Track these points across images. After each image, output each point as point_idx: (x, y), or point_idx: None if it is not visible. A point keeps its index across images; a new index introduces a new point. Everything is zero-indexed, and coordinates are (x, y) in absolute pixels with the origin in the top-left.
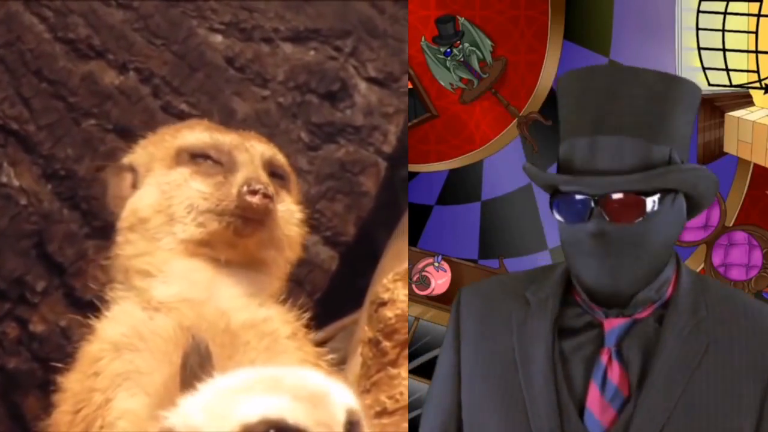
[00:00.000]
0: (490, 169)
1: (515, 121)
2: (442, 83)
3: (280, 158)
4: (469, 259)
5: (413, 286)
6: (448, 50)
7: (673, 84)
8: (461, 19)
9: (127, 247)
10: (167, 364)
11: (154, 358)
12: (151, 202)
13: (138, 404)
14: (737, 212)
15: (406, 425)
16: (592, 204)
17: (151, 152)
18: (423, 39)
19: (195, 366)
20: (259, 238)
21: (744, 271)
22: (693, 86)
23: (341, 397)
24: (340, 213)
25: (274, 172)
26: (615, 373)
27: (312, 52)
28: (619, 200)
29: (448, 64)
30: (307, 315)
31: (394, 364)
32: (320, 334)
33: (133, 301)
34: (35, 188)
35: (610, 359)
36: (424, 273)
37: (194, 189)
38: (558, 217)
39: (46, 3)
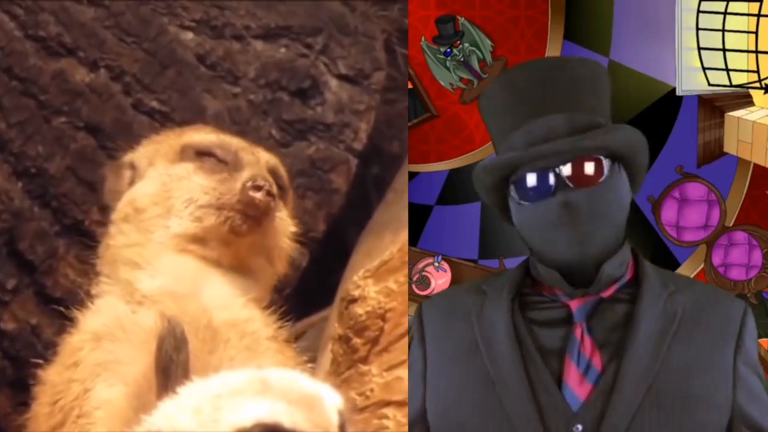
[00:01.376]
0: None
1: None
2: (442, 83)
3: (282, 170)
4: (469, 259)
5: (413, 286)
6: (448, 50)
7: (591, 65)
8: (461, 19)
9: (119, 237)
10: (147, 355)
11: (134, 349)
12: (150, 192)
13: (116, 394)
14: (737, 212)
15: (376, 421)
16: (556, 173)
17: (154, 149)
18: (423, 39)
19: (170, 349)
20: (252, 240)
21: (744, 271)
22: (598, 64)
23: (332, 398)
24: (310, 210)
25: (277, 181)
26: (587, 348)
27: (283, 50)
28: (580, 163)
29: (448, 64)
30: (288, 323)
31: (364, 360)
32: (290, 331)
33: (117, 294)
34: (5, 186)
35: (582, 334)
36: (424, 273)
37: (196, 183)
38: (519, 199)
39: (17, 1)
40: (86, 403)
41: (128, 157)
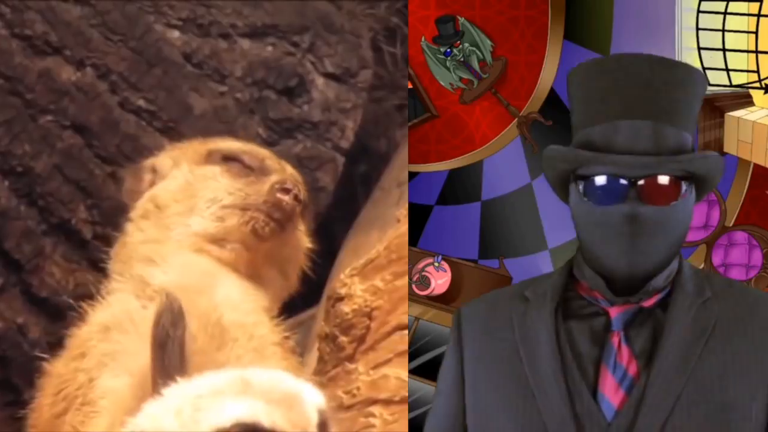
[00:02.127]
0: (490, 169)
1: (515, 121)
2: (442, 83)
3: (304, 187)
4: (469, 259)
5: (413, 286)
6: (448, 50)
7: (695, 74)
8: (461, 19)
9: (137, 234)
10: None
11: (141, 341)
12: (173, 189)
13: (121, 384)
14: (737, 212)
15: (363, 419)
16: (629, 186)
17: (179, 153)
18: (423, 39)
19: (167, 324)
20: (270, 247)
21: (744, 271)
22: (703, 76)
23: (312, 397)
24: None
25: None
26: (624, 357)
27: (269, 48)
28: (657, 183)
29: (448, 64)
30: (294, 336)
31: (350, 359)
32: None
33: (129, 291)
34: None
35: (619, 343)
36: (424, 273)
37: (222, 183)
38: (586, 197)
39: (3, 0)
40: (91, 392)
41: (150, 161)
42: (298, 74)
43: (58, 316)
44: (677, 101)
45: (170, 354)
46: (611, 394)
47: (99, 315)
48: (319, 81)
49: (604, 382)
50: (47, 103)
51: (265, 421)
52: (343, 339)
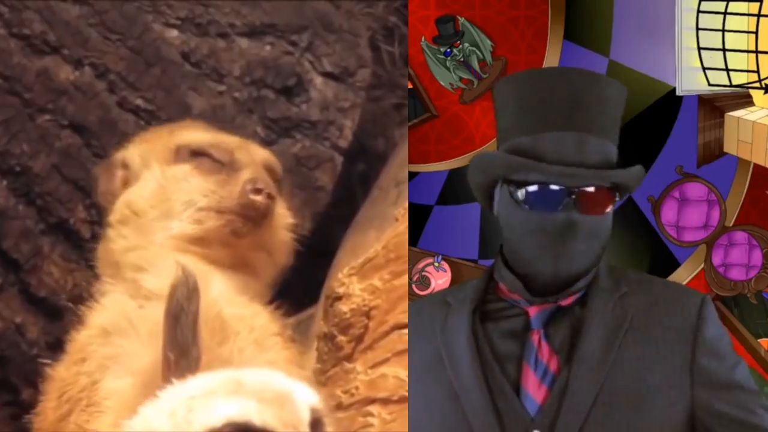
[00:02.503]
0: None
1: None
2: (442, 83)
3: (275, 163)
4: (469, 259)
5: (413, 286)
6: (448, 50)
7: (620, 89)
8: (461, 19)
9: (120, 240)
10: (156, 348)
11: (141, 342)
12: (147, 195)
13: (125, 385)
14: (737, 212)
15: (361, 419)
16: (567, 195)
17: (147, 149)
18: (423, 39)
19: (182, 299)
20: (253, 238)
21: (744, 271)
22: (624, 89)
23: (305, 396)
24: (296, 208)
25: (271, 177)
26: (544, 353)
27: (268, 47)
28: (594, 194)
29: (448, 64)
30: (290, 322)
31: (349, 358)
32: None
33: (123, 292)
34: None
35: (539, 341)
36: (424, 273)
37: (194, 185)
38: (522, 202)
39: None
40: (95, 394)
41: (119, 155)
42: (297, 73)
43: (57, 316)
44: (600, 114)
45: (183, 328)
46: (534, 390)
47: (97, 318)
48: (318, 80)
49: (527, 379)
50: (45, 103)
51: (257, 420)
52: (341, 338)
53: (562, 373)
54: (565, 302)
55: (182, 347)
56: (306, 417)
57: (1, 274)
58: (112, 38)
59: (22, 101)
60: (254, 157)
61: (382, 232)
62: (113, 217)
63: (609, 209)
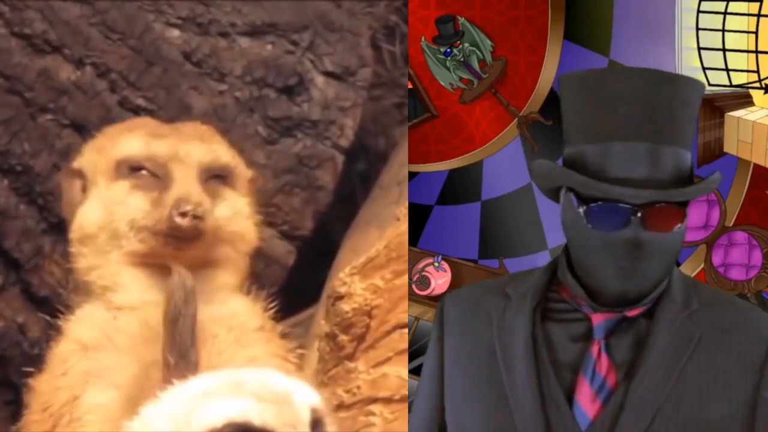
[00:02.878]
0: (490, 169)
1: (515, 121)
2: (442, 83)
3: (221, 157)
4: (469, 259)
5: (413, 286)
6: (448, 50)
7: (696, 87)
8: (461, 19)
9: (81, 259)
10: (135, 358)
11: (121, 355)
12: (96, 218)
13: (108, 399)
14: (737, 212)
15: (363, 418)
16: (632, 213)
17: (95, 160)
18: (423, 39)
19: (179, 302)
20: (204, 243)
21: (744, 271)
22: (702, 85)
23: (305, 396)
24: (297, 207)
25: (215, 174)
26: (603, 366)
27: (269, 47)
28: (661, 211)
29: (448, 64)
30: (274, 307)
31: (350, 357)
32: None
33: (96, 304)
34: None
35: (599, 352)
36: (424, 273)
37: (134, 204)
38: (586, 221)
39: None
40: (76, 409)
41: (77, 163)
42: (298, 73)
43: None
44: (677, 119)
45: (182, 331)
46: (587, 403)
47: (74, 331)
48: (319, 79)
49: (581, 390)
50: (46, 102)
51: (256, 420)
52: (343, 338)
53: (619, 389)
54: (632, 313)
55: (181, 350)
56: (306, 417)
57: (2, 273)
58: (113, 38)
59: (23, 100)
60: (189, 165)
61: (383, 231)
62: (73, 235)
63: (678, 226)
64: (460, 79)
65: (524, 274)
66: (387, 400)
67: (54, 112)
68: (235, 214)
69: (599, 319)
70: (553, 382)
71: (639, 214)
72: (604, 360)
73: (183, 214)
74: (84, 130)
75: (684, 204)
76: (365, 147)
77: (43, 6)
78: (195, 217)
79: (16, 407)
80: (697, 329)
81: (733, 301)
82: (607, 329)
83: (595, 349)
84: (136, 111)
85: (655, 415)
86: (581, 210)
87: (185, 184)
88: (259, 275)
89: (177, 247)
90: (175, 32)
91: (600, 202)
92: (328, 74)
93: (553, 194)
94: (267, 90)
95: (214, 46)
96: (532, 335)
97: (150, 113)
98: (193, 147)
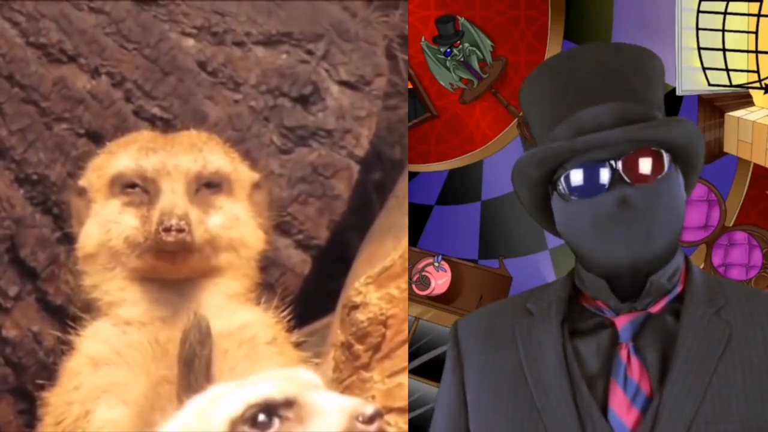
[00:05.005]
0: (490, 169)
1: (515, 121)
2: (442, 83)
3: (213, 165)
4: (469, 259)
5: (413, 286)
6: (448, 50)
7: (646, 55)
8: (461, 19)
9: (87, 278)
10: (145, 375)
11: (131, 371)
12: (95, 237)
13: (118, 414)
14: (737, 212)
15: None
16: (611, 167)
17: (94, 179)
18: (423, 39)
19: (194, 343)
20: (197, 258)
21: (744, 271)
22: (657, 58)
23: (306, 374)
24: (312, 216)
25: (207, 183)
26: (635, 371)
27: (284, 56)
28: (639, 156)
29: (448, 64)
30: (286, 317)
31: (366, 367)
32: (292, 338)
33: (104, 320)
34: (7, 193)
35: (628, 356)
36: (424, 273)
37: (127, 222)
38: (569, 194)
39: (18, 8)
40: (88, 425)
41: (82, 181)
42: (313, 82)
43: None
44: (632, 79)
45: (197, 373)
46: (623, 412)
47: (86, 346)
48: (334, 89)
49: (614, 399)
50: (62, 111)
51: (277, 395)
52: (358, 347)
53: (655, 395)
54: (655, 309)
55: (197, 392)
56: (320, 382)
57: (18, 282)
58: (129, 47)
59: (39, 110)
60: (176, 179)
61: (398, 241)
62: (79, 254)
63: (663, 174)
64: (460, 79)
65: (542, 288)
66: (401, 410)
67: (69, 122)
68: (232, 220)
69: (623, 322)
70: (586, 395)
71: (617, 169)
72: (635, 363)
73: (167, 230)
74: (99, 140)
75: (661, 152)
76: (380, 156)
77: (59, 16)
78: (179, 231)
79: (29, 416)
80: (727, 327)
81: (760, 295)
82: (633, 331)
83: (623, 353)
84: (152, 120)
85: (691, 422)
86: (562, 186)
87: (170, 198)
88: (274, 284)
89: (171, 260)
90: (191, 41)
91: (574, 169)
92: (343, 83)
93: (542, 213)
94: (282, 99)
95: (229, 55)
96: (564, 351)
97: (165, 122)
98: (182, 158)
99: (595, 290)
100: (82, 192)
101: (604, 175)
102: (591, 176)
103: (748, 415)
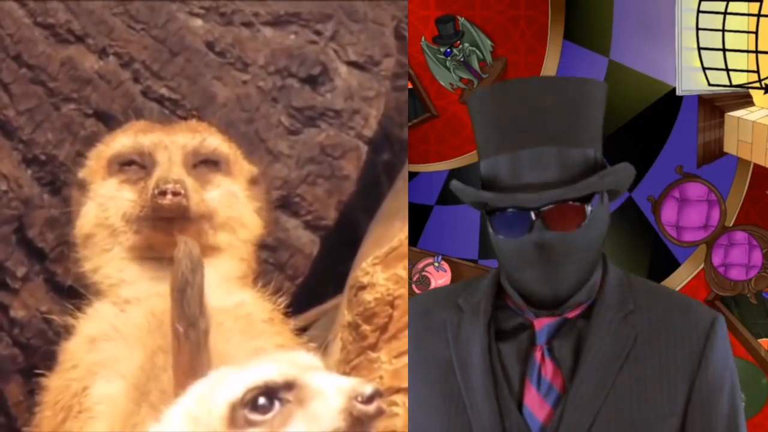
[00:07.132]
0: None
1: None
2: (442, 83)
3: (211, 143)
4: (469, 259)
5: (413, 286)
6: (448, 50)
7: (584, 86)
8: (461, 19)
9: (85, 263)
10: (141, 349)
11: (128, 345)
12: (92, 217)
13: (116, 389)
14: (737, 212)
15: (386, 408)
16: (532, 217)
17: (93, 166)
18: (423, 39)
19: (186, 271)
20: (193, 229)
21: (744, 271)
22: (601, 85)
23: (305, 356)
24: (320, 197)
25: (204, 159)
26: (548, 370)
27: (292, 36)
28: (559, 210)
29: (448, 64)
30: (283, 301)
31: (373, 348)
32: (300, 320)
33: (105, 301)
34: (15, 173)
35: (543, 357)
36: (424, 273)
37: (123, 198)
38: (496, 233)
39: None
40: (86, 400)
41: (80, 173)
42: (321, 62)
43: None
44: (573, 121)
45: (190, 300)
46: (536, 408)
47: (85, 327)
48: (342, 69)
49: (528, 396)
50: (70, 92)
51: (277, 377)
52: (365, 328)
53: (565, 393)
54: (572, 315)
55: (190, 319)
56: (319, 363)
57: (26, 263)
58: (137, 27)
59: (47, 90)
60: (172, 152)
61: (406, 222)
62: (77, 234)
63: (584, 223)
64: (460, 79)
65: (475, 282)
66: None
67: (77, 102)
68: (230, 198)
69: (541, 324)
70: (506, 391)
71: (537, 217)
72: (549, 364)
73: (162, 193)
74: (108, 120)
75: (587, 200)
76: (389, 137)
77: None
78: (175, 194)
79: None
80: (632, 331)
81: (670, 296)
82: (549, 333)
83: (538, 354)
84: (160, 101)
85: (594, 419)
86: (488, 222)
87: (166, 167)
88: (283, 266)
89: (167, 231)
90: (198, 22)
91: (498, 213)
92: (351, 64)
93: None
94: (290, 80)
95: (238, 35)
96: (489, 350)
97: (173, 103)
98: (180, 136)
99: (516, 299)
100: (81, 184)
101: (528, 221)
102: (514, 222)
103: (654, 407)
